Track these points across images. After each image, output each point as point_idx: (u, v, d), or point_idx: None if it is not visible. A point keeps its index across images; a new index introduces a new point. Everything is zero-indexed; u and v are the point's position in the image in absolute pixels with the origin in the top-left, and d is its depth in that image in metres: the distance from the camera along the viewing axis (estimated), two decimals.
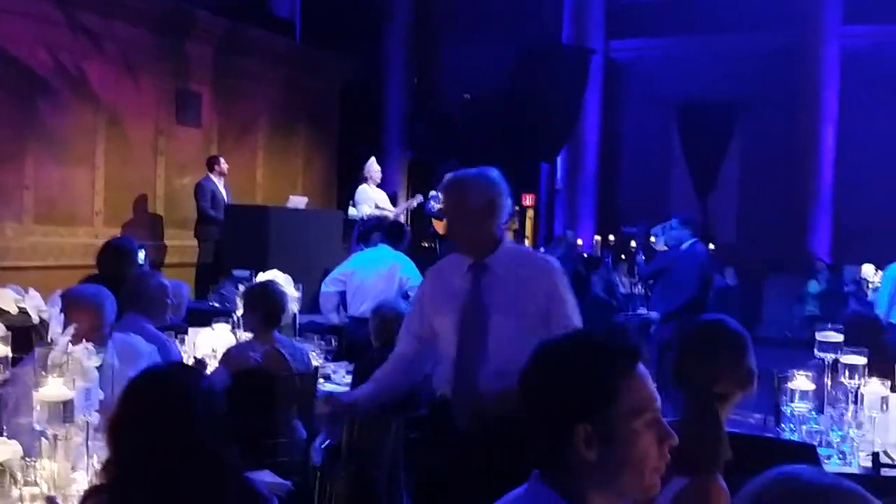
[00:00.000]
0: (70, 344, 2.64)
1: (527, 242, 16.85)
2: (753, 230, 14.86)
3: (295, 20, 14.22)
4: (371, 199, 8.84)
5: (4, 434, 2.60)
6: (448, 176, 3.03)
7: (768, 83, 14.33)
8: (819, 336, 3.47)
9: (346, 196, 12.51)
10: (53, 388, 2.44)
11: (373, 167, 9.04)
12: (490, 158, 12.10)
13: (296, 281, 6.12)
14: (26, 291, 2.70)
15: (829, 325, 3.44)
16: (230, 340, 4.70)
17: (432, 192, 9.75)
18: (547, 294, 2.93)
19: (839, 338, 3.42)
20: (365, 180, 9.00)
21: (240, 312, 4.77)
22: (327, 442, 4.00)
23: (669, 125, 16.13)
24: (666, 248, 8.47)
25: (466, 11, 16.62)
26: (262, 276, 4.92)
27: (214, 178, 9.31)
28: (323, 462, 3.94)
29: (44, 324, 2.70)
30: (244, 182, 10.69)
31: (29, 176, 8.36)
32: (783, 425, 3.74)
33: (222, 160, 9.43)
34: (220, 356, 4.62)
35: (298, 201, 9.25)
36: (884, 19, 13.85)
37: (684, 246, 8.05)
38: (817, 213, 14.29)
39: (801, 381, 3.51)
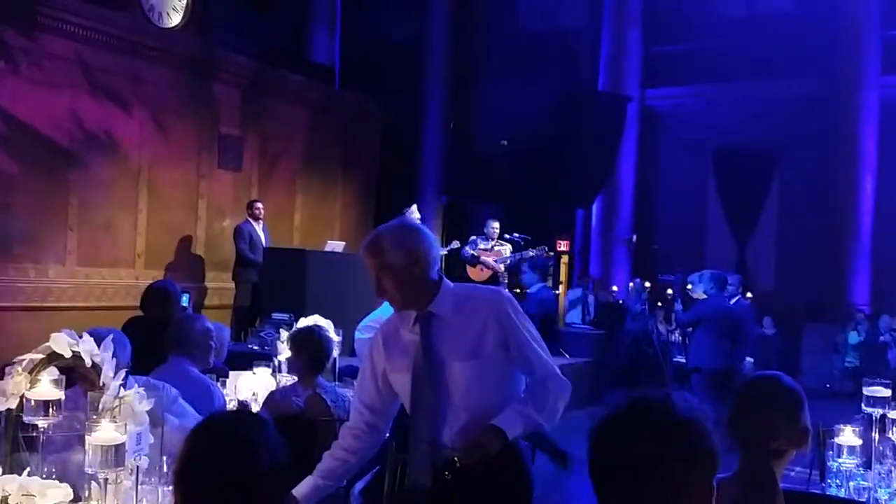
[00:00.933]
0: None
1: (561, 288, 16.83)
2: (792, 278, 14.71)
3: (334, 65, 14.47)
4: None
5: (54, 476, 2.63)
6: (365, 238, 2.89)
7: (806, 130, 14.28)
8: (867, 391, 3.43)
9: None
10: (106, 432, 2.47)
11: (414, 214, 9.11)
12: (525, 203, 12.23)
13: (334, 325, 6.16)
14: (80, 336, 2.75)
15: (878, 380, 3.40)
16: (271, 384, 4.73)
17: (472, 238, 9.80)
18: (499, 323, 2.77)
19: (887, 392, 3.38)
20: None
21: (281, 356, 4.80)
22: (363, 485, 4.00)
23: (705, 172, 16.10)
24: (705, 296, 8.49)
25: (503, 57, 16.80)
26: (303, 321, 4.95)
27: (252, 222, 9.48)
28: None
29: (96, 367, 2.74)
30: (282, 226, 10.81)
31: (73, 217, 8.52)
32: (829, 481, 3.68)
33: (259, 204, 9.61)
34: (261, 400, 4.67)
35: (336, 245, 9.33)
36: None
37: (734, 300, 8.33)
38: (856, 262, 14.13)
39: (849, 436, 3.45)
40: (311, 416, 4.02)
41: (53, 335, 2.72)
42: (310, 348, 4.08)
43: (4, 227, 7.94)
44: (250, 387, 4.68)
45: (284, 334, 5.07)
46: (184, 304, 5.47)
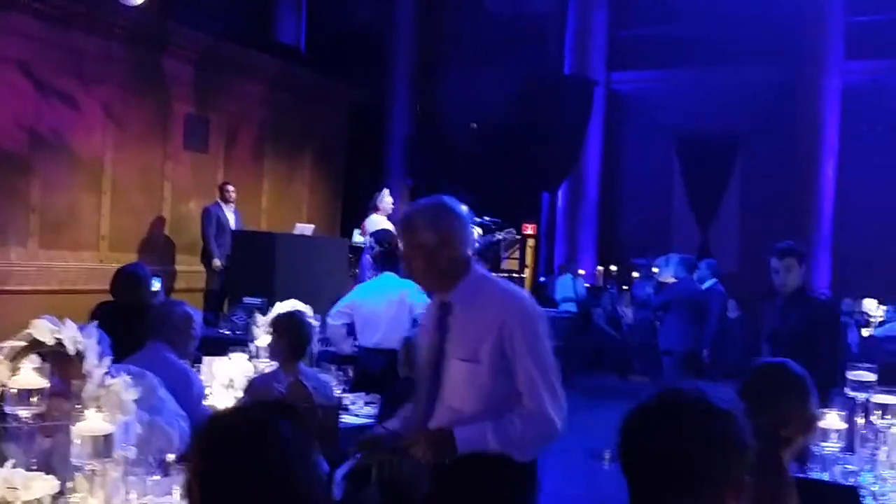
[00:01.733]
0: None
1: (527, 272, 16.85)
2: (754, 262, 14.85)
3: (300, 47, 14.27)
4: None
5: (35, 468, 2.54)
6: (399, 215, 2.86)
7: (769, 116, 14.40)
8: (851, 375, 3.45)
9: (351, 222, 12.50)
10: (93, 422, 2.39)
11: (385, 199, 9.02)
12: (491, 187, 12.18)
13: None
14: (62, 321, 2.66)
15: (865, 365, 3.42)
16: (248, 370, 4.66)
17: None
18: (505, 330, 2.60)
19: (872, 377, 3.40)
20: (375, 210, 8.97)
21: (259, 341, 4.73)
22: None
23: (670, 156, 16.19)
24: (673, 279, 8.54)
25: (469, 40, 16.70)
26: (279, 305, 4.87)
27: (222, 204, 9.32)
28: (345, 495, 3.88)
29: (80, 355, 2.66)
30: (249, 208, 10.67)
31: (35, 199, 8.33)
32: (809, 465, 3.70)
33: (231, 187, 9.45)
34: (237, 386, 4.59)
35: (305, 228, 9.22)
36: (884, 55, 13.96)
37: (706, 284, 8.40)
38: (817, 246, 14.29)
39: (833, 420, 3.47)
40: (293, 402, 3.95)
41: (34, 321, 2.63)
42: (292, 334, 4.02)
43: None
44: (227, 373, 4.62)
45: (260, 319, 5.00)
46: (155, 289, 5.34)
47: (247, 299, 6.81)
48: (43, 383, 2.54)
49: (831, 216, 14.20)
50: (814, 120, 14.08)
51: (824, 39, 14.04)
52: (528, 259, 16.96)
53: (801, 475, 3.73)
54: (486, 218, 9.77)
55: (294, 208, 11.46)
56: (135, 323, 4.36)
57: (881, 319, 11.29)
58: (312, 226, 9.48)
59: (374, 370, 5.40)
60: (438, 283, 2.75)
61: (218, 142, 10.42)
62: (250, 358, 4.82)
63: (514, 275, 16.75)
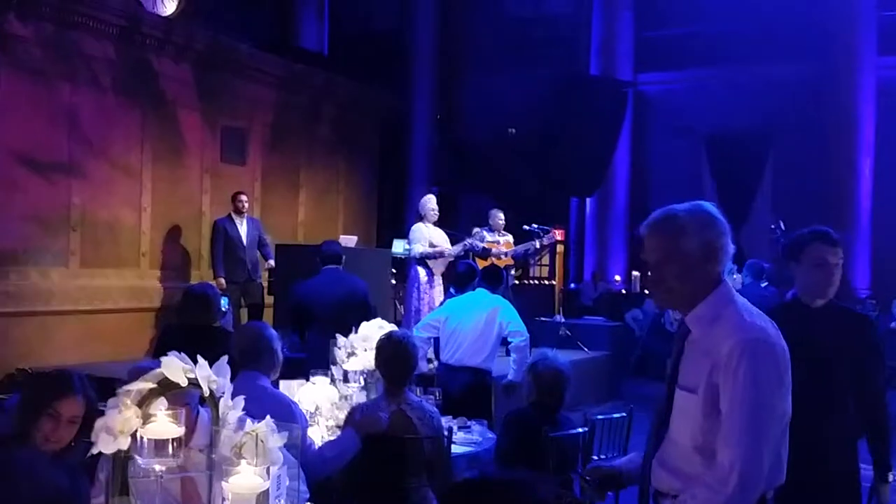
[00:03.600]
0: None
1: (557, 278, 16.55)
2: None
3: (323, 52, 14.03)
4: (425, 238, 8.52)
5: None
6: (655, 213, 2.45)
7: (800, 114, 14.13)
8: None
9: (386, 232, 12.23)
10: (246, 478, 2.10)
11: (428, 205, 8.72)
12: (519, 193, 11.90)
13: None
14: (193, 363, 2.36)
15: None
16: (333, 395, 4.36)
17: (476, 230, 9.42)
18: (719, 370, 2.24)
19: None
20: (420, 218, 8.68)
21: (347, 365, 4.43)
22: None
23: (699, 157, 15.92)
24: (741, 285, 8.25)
25: (490, 44, 16.47)
26: (365, 326, 4.57)
27: (234, 216, 8.91)
28: None
29: (213, 396, 2.36)
30: (287, 220, 10.41)
31: (75, 217, 8.05)
32: None
33: (243, 196, 8.98)
34: (324, 412, 4.30)
35: (349, 240, 8.93)
36: None
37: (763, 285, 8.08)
38: (856, 246, 13.99)
39: None
40: (396, 433, 3.66)
41: (165, 360, 2.33)
42: (396, 359, 3.72)
43: (4, 229, 7.45)
44: (311, 399, 4.31)
45: (341, 340, 4.69)
46: (223, 308, 5.05)
47: None
48: (179, 431, 2.24)
49: (869, 213, 13.92)
50: (848, 117, 13.81)
51: (857, 35, 13.77)
52: (558, 266, 16.70)
53: None
54: (535, 226, 9.47)
55: (330, 219, 11.19)
56: (205, 346, 4.08)
57: None
58: (355, 237, 9.20)
59: (454, 390, 5.11)
60: (685, 301, 2.41)
61: (255, 153, 10.15)
62: (332, 382, 4.52)
63: (545, 282, 16.51)
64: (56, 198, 7.90)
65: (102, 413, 2.30)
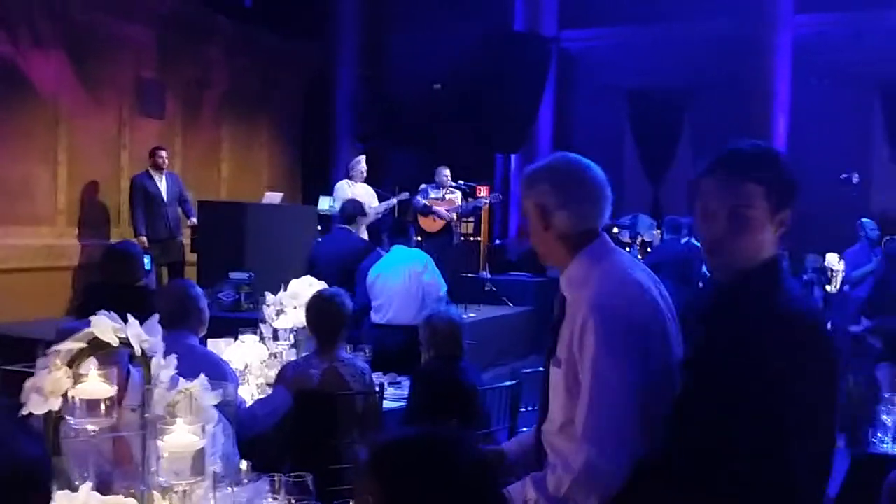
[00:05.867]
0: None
1: (482, 235, 16.66)
2: None
3: (244, 3, 13.68)
4: (348, 196, 8.49)
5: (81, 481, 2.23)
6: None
7: (719, 71, 14.35)
8: None
9: (312, 188, 12.10)
10: (181, 436, 2.09)
11: (358, 165, 8.68)
12: (444, 149, 11.87)
13: (276, 279, 5.78)
14: (124, 319, 2.33)
15: None
16: (262, 354, 4.35)
17: (422, 186, 9.41)
18: (575, 340, 2.10)
19: None
20: (348, 176, 8.63)
21: (277, 322, 4.41)
22: None
23: (621, 114, 16.12)
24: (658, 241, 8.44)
25: None
26: (294, 283, 4.55)
27: (153, 171, 8.68)
28: None
29: (145, 355, 2.33)
30: (209, 176, 10.22)
31: None
32: (880, 435, 3.59)
33: (163, 151, 8.73)
34: (254, 370, 4.28)
35: (274, 197, 8.84)
36: (833, 8, 14.04)
37: (683, 241, 8.24)
38: None
39: None
40: (329, 390, 3.68)
41: (94, 319, 2.29)
42: (326, 317, 3.72)
43: None
44: (241, 358, 4.29)
45: (270, 297, 4.66)
46: (146, 267, 4.96)
47: (233, 274, 6.46)
48: (111, 391, 2.21)
49: None
50: (765, 74, 14.09)
51: None
52: (483, 222, 16.78)
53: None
54: (461, 182, 9.50)
55: (254, 176, 11.03)
56: (129, 305, 4.01)
57: (844, 274, 11.42)
58: (281, 194, 9.10)
59: (388, 348, 5.14)
60: (550, 260, 2.28)
61: (174, 107, 9.90)
62: (262, 339, 4.50)
63: (470, 238, 16.60)
64: None
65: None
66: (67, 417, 2.19)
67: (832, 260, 12.01)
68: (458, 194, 9.41)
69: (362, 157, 8.83)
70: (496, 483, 1.60)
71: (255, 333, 4.49)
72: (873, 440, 3.60)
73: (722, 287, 1.97)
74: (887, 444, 3.48)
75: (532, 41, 14.63)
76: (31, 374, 2.24)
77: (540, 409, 2.37)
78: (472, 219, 16.28)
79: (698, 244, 6.39)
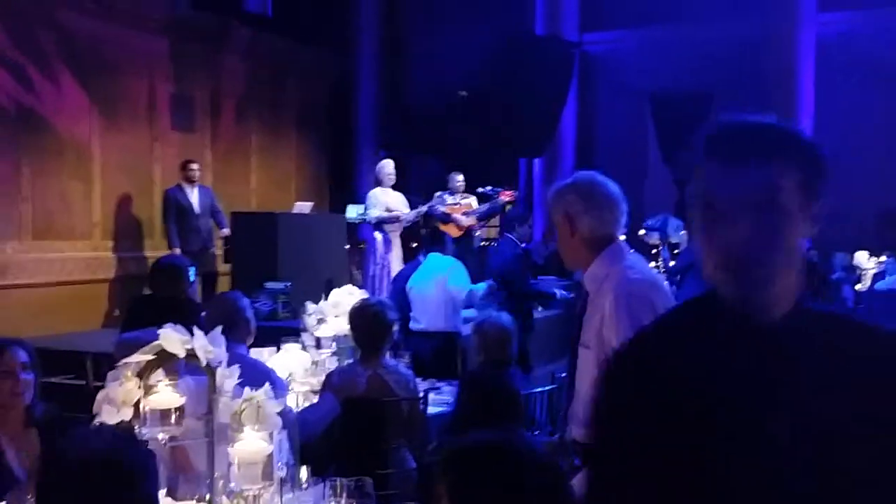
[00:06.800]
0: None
1: None
2: None
3: (267, 14, 13.81)
4: (381, 203, 8.55)
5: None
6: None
7: (742, 71, 14.35)
8: None
9: (339, 197, 12.20)
10: (252, 443, 2.17)
11: (385, 169, 8.74)
12: (467, 154, 11.90)
13: (311, 288, 5.87)
14: (191, 331, 2.41)
15: None
16: (306, 362, 4.43)
17: (438, 193, 9.47)
18: (605, 324, 2.48)
19: None
20: (378, 183, 8.71)
21: (319, 331, 4.49)
22: None
23: (644, 116, 16.12)
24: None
25: (437, 2, 16.37)
26: (335, 293, 4.63)
27: (185, 185, 8.82)
28: None
29: (210, 366, 2.42)
30: (239, 188, 10.34)
31: (26, 190, 7.92)
32: None
33: (194, 164, 8.89)
34: (299, 378, 4.37)
35: (304, 206, 8.94)
36: (856, 5, 14.01)
37: None
38: None
39: None
40: (374, 396, 3.75)
41: (162, 332, 2.38)
42: (370, 326, 3.80)
43: None
44: (285, 366, 4.37)
45: (312, 307, 4.75)
46: (191, 279, 5.07)
47: (269, 284, 6.55)
48: (181, 401, 2.30)
49: None
50: (788, 73, 14.07)
51: None
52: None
53: None
54: (489, 188, 9.55)
55: (283, 186, 11.15)
56: (175, 316, 4.11)
57: (874, 272, 11.36)
58: (311, 203, 9.20)
59: (424, 355, 5.21)
60: (573, 262, 2.66)
61: (203, 120, 10.04)
62: (304, 348, 4.59)
63: (493, 243, 16.66)
64: (4, 170, 7.76)
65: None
66: (139, 427, 2.27)
67: (861, 258, 11.97)
68: (474, 199, 9.47)
69: (389, 161, 8.89)
70: (566, 485, 1.66)
71: (297, 342, 4.58)
72: None
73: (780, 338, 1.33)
74: None
75: (554, 45, 14.68)
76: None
77: (566, 395, 2.61)
78: (496, 223, 16.38)
79: None
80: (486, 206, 9.53)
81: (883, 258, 11.33)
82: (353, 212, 10.19)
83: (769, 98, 14.09)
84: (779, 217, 1.34)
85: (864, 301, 10.78)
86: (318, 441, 3.75)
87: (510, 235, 6.95)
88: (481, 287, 5.86)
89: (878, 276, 10.74)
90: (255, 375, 3.54)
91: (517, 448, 1.62)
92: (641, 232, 11.23)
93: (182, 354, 2.36)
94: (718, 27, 14.35)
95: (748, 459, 1.26)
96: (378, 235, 8.53)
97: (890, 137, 14.68)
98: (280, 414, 2.46)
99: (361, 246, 9.29)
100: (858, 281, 11.12)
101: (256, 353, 4.44)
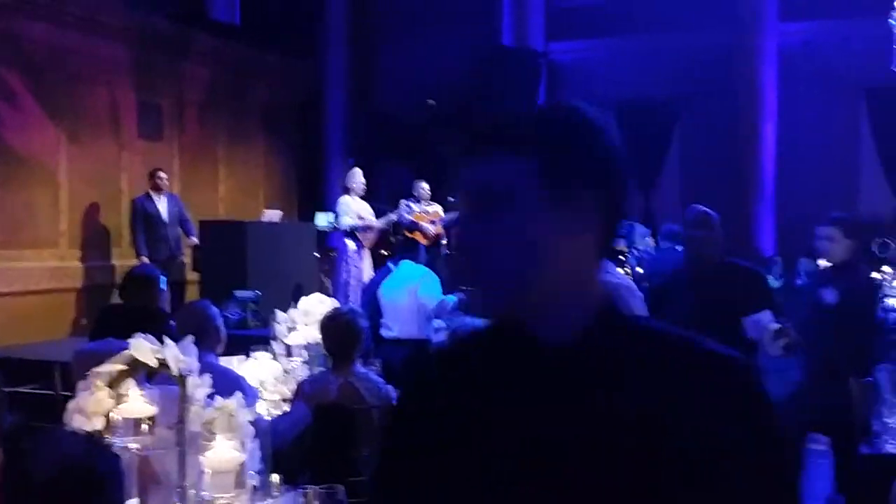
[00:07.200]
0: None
1: None
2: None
3: (235, 22, 13.78)
4: (353, 211, 8.57)
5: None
6: None
7: (706, 81, 14.52)
8: None
9: (308, 205, 12.18)
10: (223, 452, 2.18)
11: (356, 178, 8.75)
12: (437, 163, 11.93)
13: (280, 297, 5.87)
14: (161, 340, 2.42)
15: None
16: (277, 371, 4.43)
17: (402, 202, 9.48)
18: None
19: None
20: (347, 191, 8.72)
21: (289, 339, 4.50)
22: None
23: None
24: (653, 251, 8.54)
25: (405, 12, 16.40)
26: (304, 301, 4.64)
27: (153, 194, 8.78)
28: None
29: (182, 376, 2.42)
30: (207, 196, 10.30)
31: None
32: (885, 437, 3.69)
33: (162, 173, 8.86)
34: (269, 387, 4.36)
35: (273, 215, 8.93)
36: (817, 15, 14.25)
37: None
38: (761, 208, 14.56)
39: None
40: (346, 404, 3.76)
41: (133, 341, 2.38)
42: (341, 334, 3.81)
43: None
44: (255, 375, 4.37)
45: (282, 315, 4.75)
46: (162, 287, 5.04)
47: (238, 293, 6.53)
48: (152, 410, 2.30)
49: (773, 176, 14.47)
50: (752, 82, 14.26)
51: (760, 2, 14.22)
52: None
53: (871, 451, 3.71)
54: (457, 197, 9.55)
55: (252, 194, 11.12)
56: (145, 326, 4.11)
57: None
58: (280, 212, 9.19)
59: (395, 363, 5.22)
60: None
61: (171, 129, 9.99)
62: (274, 357, 4.59)
63: None
64: None
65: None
66: (109, 437, 2.27)
67: (824, 264, 12.16)
68: (439, 207, 9.50)
69: (359, 170, 8.91)
70: None
71: (267, 350, 4.58)
72: (877, 441, 3.71)
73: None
74: (892, 444, 3.58)
75: (521, 54, 14.79)
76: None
77: None
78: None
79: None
80: (454, 215, 9.54)
81: None
82: (322, 219, 10.18)
83: (733, 106, 14.28)
84: (508, 212, 1.16)
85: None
86: (289, 449, 3.76)
87: None
88: (451, 299, 5.89)
89: None
90: (226, 384, 3.55)
91: None
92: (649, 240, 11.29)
93: (154, 364, 2.36)
94: (684, 37, 14.53)
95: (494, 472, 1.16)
96: (350, 243, 8.53)
97: (851, 146, 14.93)
98: (252, 422, 2.47)
99: (332, 254, 9.29)
100: None
101: (226, 362, 4.44)
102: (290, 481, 2.93)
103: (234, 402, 2.36)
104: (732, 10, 14.10)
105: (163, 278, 4.90)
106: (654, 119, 15.89)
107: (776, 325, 3.21)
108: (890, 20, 7.96)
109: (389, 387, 4.65)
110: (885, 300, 10.45)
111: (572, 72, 16.47)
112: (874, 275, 11.29)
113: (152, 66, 9.71)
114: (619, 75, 15.56)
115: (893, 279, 11.40)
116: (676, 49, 14.74)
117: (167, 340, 2.44)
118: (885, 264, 11.98)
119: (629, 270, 9.73)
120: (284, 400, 4.19)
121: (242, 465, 2.18)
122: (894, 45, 8.17)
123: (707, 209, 4.62)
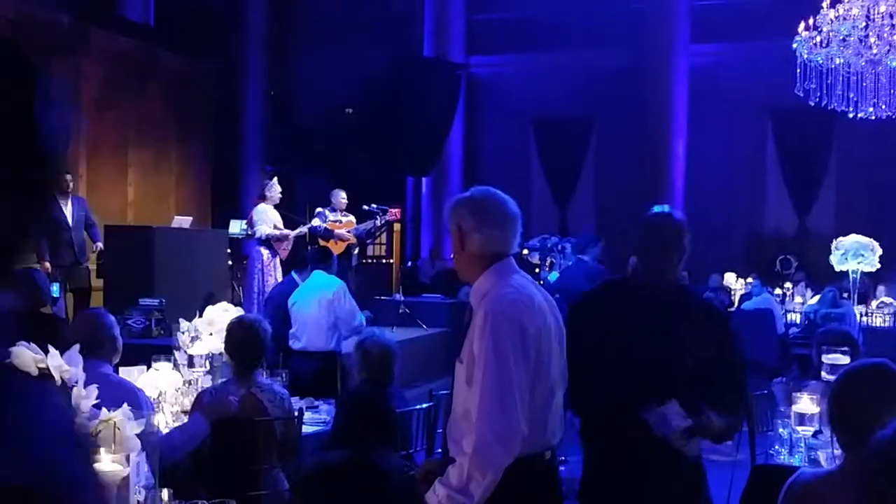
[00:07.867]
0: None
1: (394, 257, 16.73)
2: (610, 239, 15.32)
3: (149, 24, 13.49)
4: (271, 220, 8.44)
5: None
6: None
7: (620, 98, 14.82)
8: (826, 359, 3.53)
9: (222, 212, 11.98)
10: (105, 465, 2.10)
11: (275, 188, 8.63)
12: (353, 171, 11.87)
13: (188, 305, 5.74)
14: (46, 350, 2.32)
15: (839, 349, 3.50)
16: (177, 381, 4.32)
17: (318, 210, 9.39)
18: (474, 340, 2.57)
19: (846, 360, 3.48)
20: (264, 199, 8.59)
21: (192, 349, 4.38)
22: None
23: (528, 139, 16.47)
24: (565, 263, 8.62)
25: (325, 20, 16.32)
26: (210, 309, 4.53)
27: (57, 196, 8.42)
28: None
29: (66, 385, 2.33)
30: (115, 201, 10.02)
31: None
32: (777, 447, 3.77)
33: (67, 175, 8.48)
34: (169, 398, 4.25)
35: (183, 221, 8.72)
36: (725, 37, 14.69)
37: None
38: None
39: (806, 404, 3.53)
40: (247, 416, 3.68)
41: (15, 350, 2.27)
42: (245, 343, 3.73)
43: None
44: (154, 385, 4.25)
45: (185, 324, 4.64)
46: (55, 294, 4.87)
47: (143, 300, 6.35)
48: None
49: (683, 192, 14.81)
50: (664, 101, 14.61)
51: (671, 23, 14.56)
52: (395, 244, 16.86)
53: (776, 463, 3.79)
54: (374, 206, 9.53)
55: (162, 199, 10.85)
56: (37, 333, 3.96)
57: (742, 293, 11.88)
58: (190, 218, 8.98)
59: (303, 374, 5.16)
60: (465, 275, 2.62)
61: (80, 130, 9.68)
62: (176, 367, 4.47)
63: (383, 261, 16.65)
64: None
65: None
66: None
67: (730, 279, 12.52)
68: (352, 217, 9.44)
69: (276, 180, 8.79)
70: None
71: (168, 360, 4.45)
72: (771, 452, 3.79)
73: None
74: (784, 455, 3.66)
75: (440, 66, 14.85)
76: None
77: (448, 408, 2.60)
78: (383, 241, 16.38)
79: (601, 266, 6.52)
80: (368, 224, 9.50)
81: (750, 280, 11.85)
82: (236, 227, 10.02)
83: (646, 123, 14.59)
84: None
85: (733, 318, 11.19)
86: (186, 463, 3.66)
87: None
88: (360, 317, 5.85)
89: (745, 297, 11.20)
90: (120, 395, 3.45)
91: (374, 465, 1.63)
92: (525, 252, 11.42)
93: (34, 373, 2.27)
94: (599, 54, 14.80)
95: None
96: (265, 252, 8.40)
97: (758, 164, 15.42)
98: (140, 435, 2.39)
99: (244, 262, 9.14)
100: (730, 300, 11.58)
101: (126, 372, 4.30)
102: (183, 496, 2.85)
103: (121, 414, 2.27)
104: (646, 30, 14.42)
105: (56, 285, 4.74)
106: (570, 134, 16.15)
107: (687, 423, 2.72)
108: (794, 44, 8.23)
109: (294, 398, 4.60)
110: (787, 315, 10.81)
111: (491, 85, 16.62)
112: (777, 291, 11.68)
113: (60, 66, 9.39)
114: (536, 91, 15.77)
115: (794, 295, 11.80)
116: (592, 66, 15.00)
117: (51, 349, 2.34)
118: (787, 281, 12.41)
119: (543, 283, 9.86)
120: (184, 412, 4.08)
121: (126, 479, 2.10)
122: (798, 69, 8.43)
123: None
